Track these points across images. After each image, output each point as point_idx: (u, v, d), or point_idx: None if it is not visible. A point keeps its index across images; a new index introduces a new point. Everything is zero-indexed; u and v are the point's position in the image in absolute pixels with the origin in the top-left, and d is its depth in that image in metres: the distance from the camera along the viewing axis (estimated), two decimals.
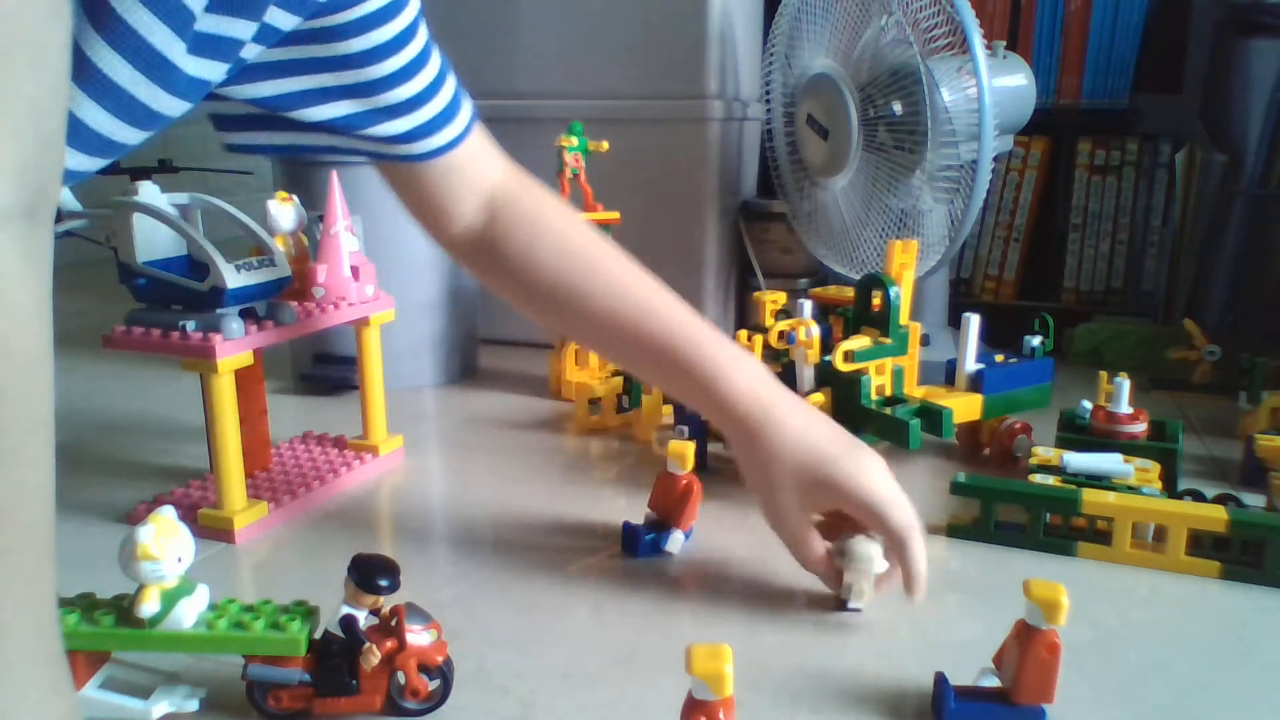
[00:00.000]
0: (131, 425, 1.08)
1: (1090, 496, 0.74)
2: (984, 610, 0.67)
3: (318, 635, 0.54)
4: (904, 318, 0.90)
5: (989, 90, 1.04)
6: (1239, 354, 1.13)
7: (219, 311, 0.77)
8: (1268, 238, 1.32)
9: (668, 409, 1.01)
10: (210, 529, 0.77)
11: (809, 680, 0.58)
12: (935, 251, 1.17)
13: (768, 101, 1.37)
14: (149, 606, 0.52)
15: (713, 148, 1.35)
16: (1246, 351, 1.12)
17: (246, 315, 0.79)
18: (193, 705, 0.54)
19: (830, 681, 0.58)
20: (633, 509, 0.83)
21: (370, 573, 0.53)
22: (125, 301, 0.79)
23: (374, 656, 0.53)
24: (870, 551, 0.64)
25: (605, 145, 1.19)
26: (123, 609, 0.53)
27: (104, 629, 0.52)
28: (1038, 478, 0.80)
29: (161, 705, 0.53)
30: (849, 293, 1.03)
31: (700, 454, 0.92)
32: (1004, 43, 1.18)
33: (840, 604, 0.67)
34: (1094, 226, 1.52)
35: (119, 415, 1.12)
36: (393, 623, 0.54)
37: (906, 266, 0.93)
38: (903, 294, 0.89)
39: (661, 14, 1.32)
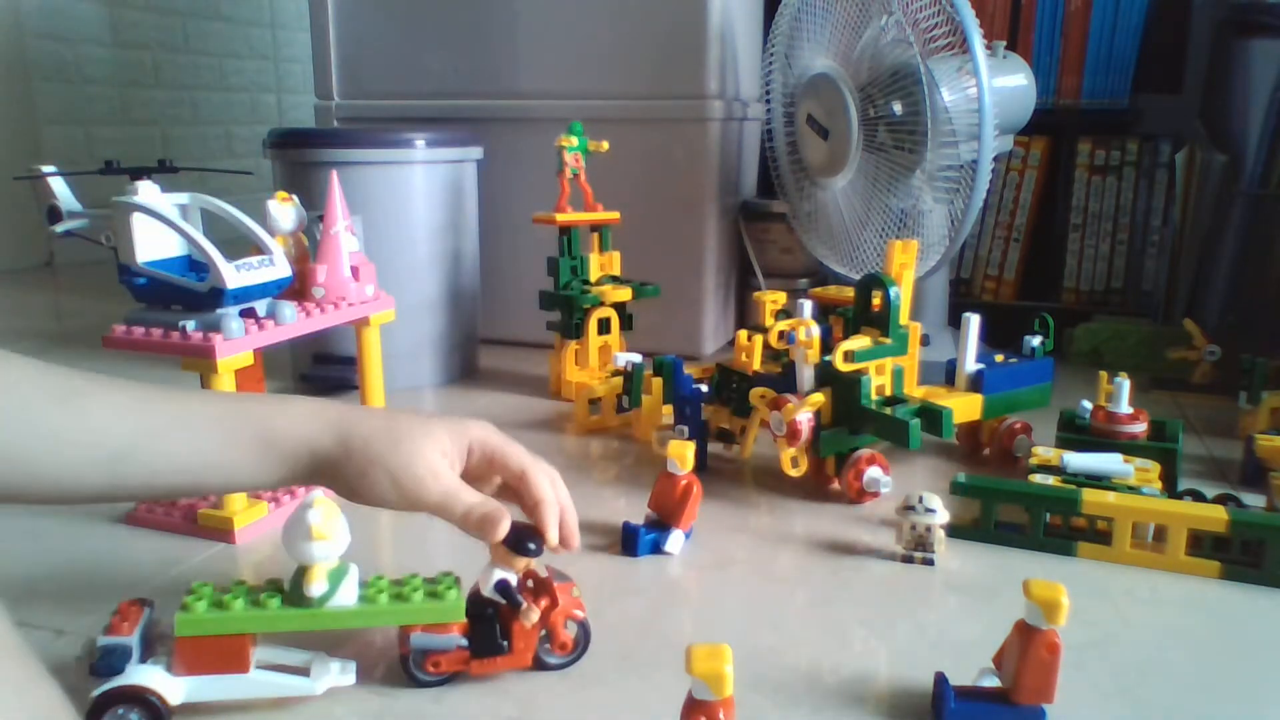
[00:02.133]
0: None
1: (1090, 496, 0.74)
2: (984, 610, 0.67)
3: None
4: (904, 318, 0.90)
5: (989, 90, 1.04)
6: (1239, 354, 1.13)
7: (219, 311, 0.77)
8: (1268, 238, 1.32)
9: (668, 409, 1.01)
10: (210, 529, 0.77)
11: (809, 680, 0.58)
12: (935, 251, 1.17)
13: (768, 101, 1.37)
14: (318, 587, 0.54)
15: (713, 148, 1.35)
16: (1246, 351, 1.12)
17: (246, 315, 0.79)
18: (350, 678, 0.56)
19: (830, 681, 0.58)
20: (633, 509, 0.83)
21: (522, 537, 0.56)
22: (125, 301, 0.79)
23: (534, 615, 0.56)
24: (938, 501, 0.73)
25: (605, 145, 1.19)
26: (285, 591, 0.55)
27: (273, 611, 0.54)
28: (1038, 478, 0.80)
29: (324, 680, 0.55)
30: (849, 293, 1.02)
31: (700, 454, 0.92)
32: (1004, 43, 1.18)
33: (907, 558, 0.74)
34: (1094, 226, 1.52)
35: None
36: (531, 584, 0.58)
37: (906, 266, 0.93)
38: (903, 294, 0.89)
39: (661, 14, 1.32)
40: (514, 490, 0.60)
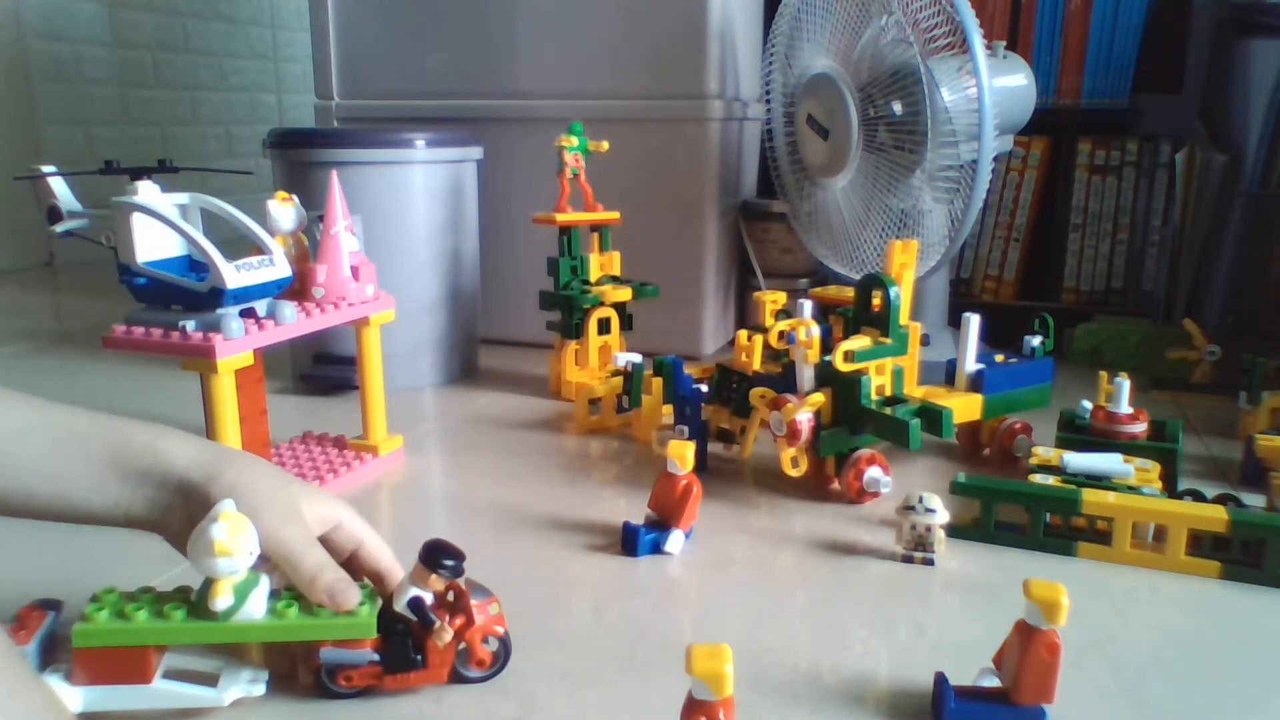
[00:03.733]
0: None
1: (1090, 496, 0.74)
2: (984, 610, 0.67)
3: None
4: (904, 318, 0.90)
5: (989, 90, 1.04)
6: (1239, 354, 1.13)
7: (219, 311, 0.77)
8: (1268, 238, 1.32)
9: (668, 409, 1.01)
10: None
11: (809, 680, 0.58)
12: (935, 251, 1.17)
13: (768, 101, 1.37)
14: (223, 600, 0.52)
15: (713, 148, 1.35)
16: (1246, 351, 1.12)
17: (246, 315, 0.79)
18: (259, 688, 0.55)
19: (830, 681, 0.58)
20: (633, 509, 0.83)
21: (437, 555, 0.56)
22: (125, 301, 0.79)
23: (446, 634, 0.56)
24: (938, 501, 0.74)
25: (605, 145, 1.19)
26: (192, 603, 0.54)
27: (177, 623, 0.53)
28: (1038, 478, 0.80)
29: (231, 690, 0.54)
30: (849, 293, 1.02)
31: (700, 454, 0.92)
32: (1004, 43, 1.18)
33: (907, 558, 0.74)
34: (1094, 226, 1.52)
35: (119, 415, 1.11)
36: (450, 598, 0.57)
37: (906, 266, 0.93)
38: (903, 294, 0.89)
39: (661, 14, 1.32)
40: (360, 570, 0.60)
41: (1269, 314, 1.31)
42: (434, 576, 0.56)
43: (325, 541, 0.57)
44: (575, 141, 1.18)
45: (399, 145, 1.16)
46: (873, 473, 0.85)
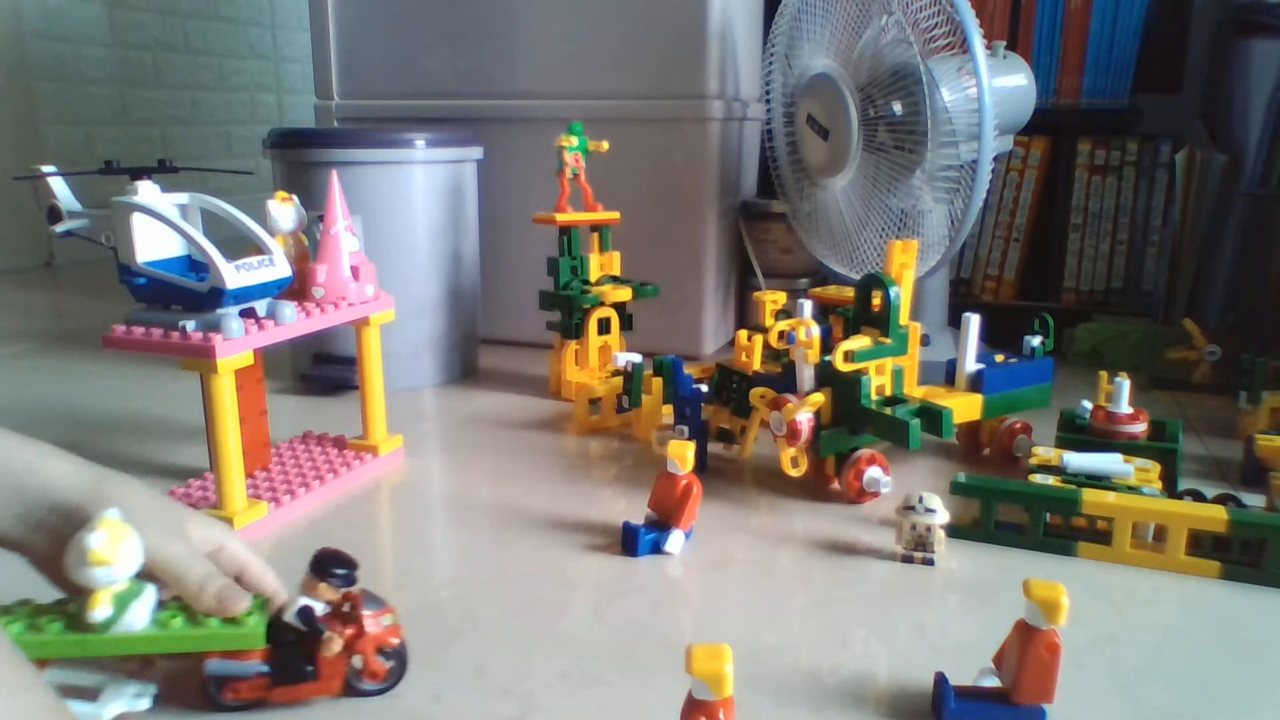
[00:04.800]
0: (131, 425, 1.08)
1: (1090, 496, 0.74)
2: (984, 610, 0.67)
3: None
4: (904, 318, 0.90)
5: (989, 90, 1.04)
6: (1239, 354, 1.14)
7: (219, 311, 0.77)
8: (1268, 238, 1.32)
9: (668, 409, 1.01)
10: None
11: (809, 680, 0.58)
12: (935, 251, 1.17)
13: (768, 101, 1.37)
14: (101, 611, 0.51)
15: (713, 148, 1.35)
16: (1246, 351, 1.12)
17: (246, 315, 0.79)
18: (145, 703, 0.53)
19: (830, 681, 0.58)
20: (633, 509, 0.83)
21: (327, 564, 0.55)
22: (125, 301, 0.79)
23: (335, 644, 0.54)
24: (938, 501, 0.74)
25: (605, 145, 1.19)
26: (70, 614, 0.52)
27: (52, 636, 0.51)
28: (1038, 478, 0.80)
29: (113, 706, 0.52)
30: (849, 293, 1.02)
31: (700, 454, 0.92)
32: (1004, 43, 1.18)
33: (907, 559, 0.74)
34: (1094, 226, 1.52)
35: (119, 415, 1.12)
36: (347, 609, 0.55)
37: (906, 266, 0.93)
38: (903, 294, 0.89)
39: (661, 14, 1.32)
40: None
41: (1269, 314, 1.31)
42: (324, 585, 0.55)
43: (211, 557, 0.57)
44: (575, 141, 1.18)
45: (399, 145, 1.16)
46: (873, 473, 0.85)
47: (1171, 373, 1.27)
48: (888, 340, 0.86)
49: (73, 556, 0.50)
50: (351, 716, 0.55)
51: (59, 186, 0.86)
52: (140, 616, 0.52)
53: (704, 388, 0.95)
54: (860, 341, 0.85)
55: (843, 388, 0.85)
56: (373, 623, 0.56)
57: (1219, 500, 0.80)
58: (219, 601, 0.53)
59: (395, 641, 0.57)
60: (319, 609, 0.55)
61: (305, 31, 1.56)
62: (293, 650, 0.55)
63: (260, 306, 0.81)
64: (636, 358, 1.04)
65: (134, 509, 0.53)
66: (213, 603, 0.53)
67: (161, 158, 1.00)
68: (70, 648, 0.51)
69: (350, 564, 0.56)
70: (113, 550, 0.50)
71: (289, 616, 0.54)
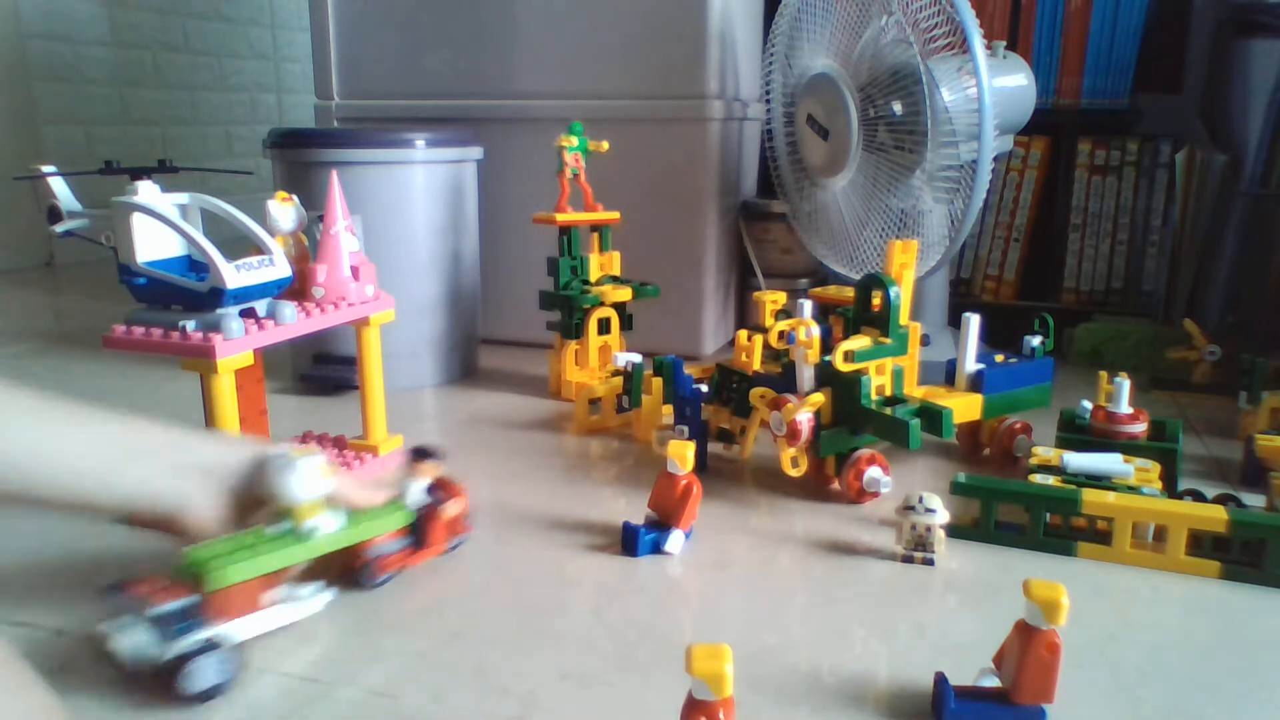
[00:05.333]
0: None
1: (1090, 496, 0.74)
2: (984, 610, 0.67)
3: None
4: (904, 318, 0.90)
5: (989, 90, 1.04)
6: (1239, 354, 1.14)
7: (219, 311, 0.76)
8: (1268, 238, 1.32)
9: (668, 409, 1.01)
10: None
11: (809, 680, 0.58)
12: (935, 251, 1.17)
13: (768, 101, 1.37)
14: (317, 520, 0.63)
15: (713, 148, 1.35)
16: (1246, 351, 1.12)
17: (246, 315, 0.79)
18: (331, 593, 0.66)
19: (830, 681, 0.58)
20: (633, 509, 0.83)
21: (426, 452, 0.72)
22: (125, 301, 0.79)
23: (454, 507, 0.73)
24: (938, 501, 0.74)
25: (605, 145, 1.19)
26: (266, 538, 0.61)
27: (285, 548, 0.61)
28: (1038, 478, 0.80)
29: (316, 599, 0.65)
30: (849, 293, 1.02)
31: (700, 454, 0.92)
32: (1004, 43, 1.18)
33: (907, 559, 0.74)
34: (1094, 226, 1.52)
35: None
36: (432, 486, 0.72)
37: (906, 266, 0.93)
38: (903, 294, 0.89)
39: (661, 14, 1.32)
40: None
41: (1269, 314, 1.31)
42: (428, 465, 0.71)
43: None
44: (575, 141, 1.18)
45: (399, 145, 1.16)
46: (873, 473, 0.85)
47: (1171, 373, 1.27)
48: (888, 340, 0.86)
49: (290, 477, 0.60)
50: (353, 716, 0.55)
51: (59, 186, 0.86)
52: (336, 520, 0.64)
53: (704, 388, 0.95)
54: (860, 341, 0.85)
55: (843, 388, 0.85)
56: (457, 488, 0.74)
57: (1219, 500, 0.80)
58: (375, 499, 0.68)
59: (467, 503, 0.75)
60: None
61: (305, 31, 1.56)
62: (416, 525, 0.71)
63: (260, 306, 0.81)
64: (636, 358, 1.04)
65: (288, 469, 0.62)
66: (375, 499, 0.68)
67: (161, 158, 1.00)
68: (300, 555, 0.62)
69: (439, 448, 0.72)
70: (326, 467, 0.62)
71: (416, 495, 0.71)
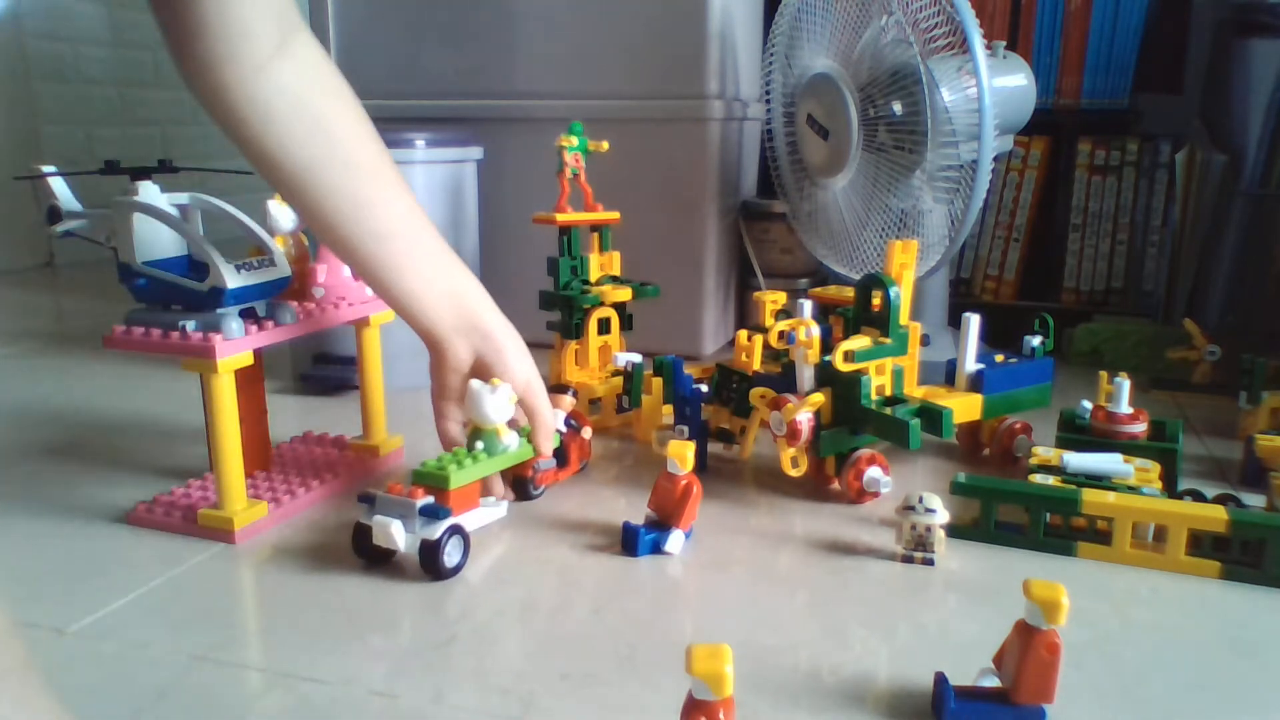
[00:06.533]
0: (131, 425, 1.08)
1: (1090, 496, 0.74)
2: (984, 610, 0.67)
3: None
4: (904, 318, 0.90)
5: (989, 90, 1.04)
6: (1239, 354, 1.13)
7: (219, 311, 0.77)
8: (1268, 238, 1.32)
9: (668, 409, 1.01)
10: (210, 529, 0.77)
11: (809, 680, 0.58)
12: (935, 251, 1.17)
13: (768, 101, 1.37)
14: (509, 438, 0.77)
15: (713, 148, 1.35)
16: (1246, 351, 1.12)
17: (246, 315, 0.79)
18: (506, 503, 0.81)
19: (830, 681, 0.58)
20: (633, 509, 0.83)
21: (560, 389, 0.92)
22: (125, 301, 0.79)
23: (588, 431, 0.92)
24: (938, 501, 0.74)
25: (605, 145, 1.19)
26: (471, 455, 0.75)
27: (486, 461, 0.75)
28: (1038, 478, 0.80)
29: (502, 505, 0.80)
30: (849, 293, 1.02)
31: (700, 454, 0.92)
32: (1004, 43, 1.18)
33: (907, 559, 0.74)
34: (1094, 226, 1.52)
35: (119, 415, 1.12)
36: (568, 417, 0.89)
37: (906, 266, 0.93)
38: (903, 294, 0.89)
39: (661, 14, 1.32)
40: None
41: (1269, 314, 1.31)
42: (566, 399, 0.91)
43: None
44: (575, 141, 1.17)
45: (399, 145, 1.16)
46: (873, 473, 0.85)
47: (1171, 373, 1.27)
48: (888, 340, 0.86)
49: (491, 402, 0.74)
50: (351, 714, 0.55)
51: (59, 186, 0.86)
52: (516, 440, 0.78)
53: (704, 388, 0.95)
54: (860, 341, 0.85)
55: (843, 388, 0.85)
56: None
57: (1219, 500, 0.80)
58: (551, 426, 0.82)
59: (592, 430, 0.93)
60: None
61: None
62: (561, 447, 0.85)
63: (260, 307, 0.81)
64: (636, 358, 1.04)
65: (524, 359, 0.81)
66: (552, 428, 0.82)
67: (161, 158, 1.00)
68: (500, 464, 0.77)
69: (573, 384, 0.96)
70: (512, 399, 0.77)
71: (560, 424, 0.86)
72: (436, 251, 0.77)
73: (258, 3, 0.65)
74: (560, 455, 0.85)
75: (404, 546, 0.69)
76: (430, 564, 0.69)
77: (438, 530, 0.69)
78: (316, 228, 0.74)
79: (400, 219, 0.75)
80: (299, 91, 0.68)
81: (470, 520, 0.75)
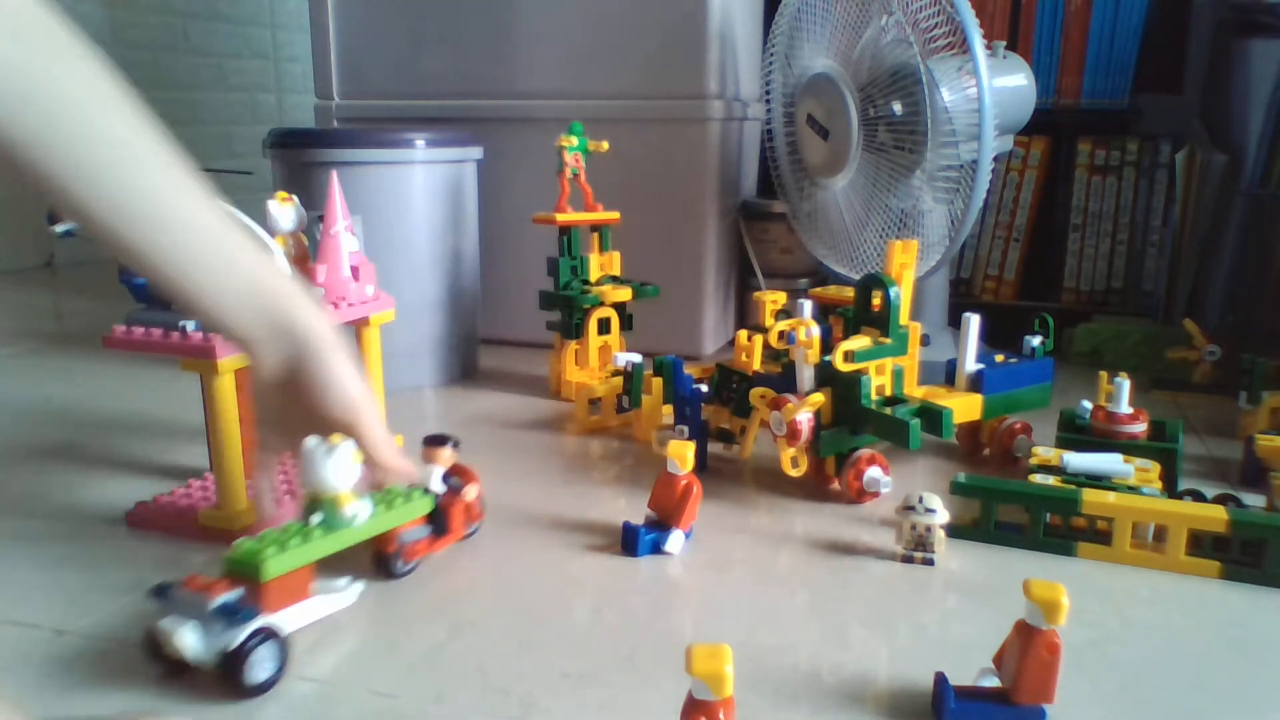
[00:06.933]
0: (131, 425, 1.08)
1: (1090, 496, 0.74)
2: (984, 610, 0.67)
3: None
4: (904, 318, 0.90)
5: (989, 90, 1.04)
6: (1239, 354, 1.13)
7: None
8: (1268, 238, 1.32)
9: (668, 409, 1.01)
10: (210, 529, 0.77)
11: (809, 680, 0.58)
12: (935, 251, 1.17)
13: (768, 101, 1.37)
14: (351, 509, 0.64)
15: (713, 148, 1.35)
16: (1246, 351, 1.12)
17: None
18: (360, 586, 0.68)
19: (830, 681, 0.58)
20: (633, 509, 0.83)
21: (443, 438, 0.74)
22: (125, 301, 0.79)
23: (473, 491, 0.75)
24: (938, 501, 0.74)
25: (605, 145, 1.19)
26: (307, 530, 0.62)
27: (320, 540, 0.62)
28: (1038, 478, 0.80)
29: (351, 589, 0.67)
30: (849, 293, 1.02)
31: (700, 454, 0.92)
32: (1004, 43, 1.18)
33: (907, 559, 0.74)
34: (1094, 226, 1.52)
35: (119, 415, 1.12)
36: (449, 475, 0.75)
37: (906, 266, 0.93)
38: (903, 294, 0.89)
39: (661, 14, 1.32)
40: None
41: (1269, 314, 1.31)
42: (445, 452, 0.73)
43: None
44: (575, 141, 1.18)
45: (399, 145, 1.16)
46: (873, 473, 0.85)
47: (1171, 373, 1.27)
48: (888, 340, 0.86)
49: (329, 463, 0.61)
50: (355, 716, 0.55)
51: None
52: (367, 509, 0.65)
53: (704, 388, 0.95)
54: (860, 341, 0.85)
55: (843, 388, 0.85)
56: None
57: (1219, 500, 0.80)
58: (408, 478, 0.66)
59: (482, 488, 0.76)
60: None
61: (305, 31, 1.56)
62: (439, 510, 0.72)
63: None
64: (636, 358, 1.04)
65: (349, 368, 0.61)
66: (390, 456, 0.64)
67: None
68: (340, 543, 0.64)
69: (453, 436, 0.74)
70: (357, 455, 0.62)
71: (435, 485, 0.73)
72: (224, 236, 0.59)
73: None
74: (437, 521, 0.72)
75: (196, 657, 0.56)
76: (232, 679, 0.55)
77: (239, 636, 0.55)
78: (78, 217, 0.56)
79: (173, 198, 0.57)
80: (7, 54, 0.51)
81: (296, 616, 0.62)
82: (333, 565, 0.67)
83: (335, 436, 0.61)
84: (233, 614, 0.56)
